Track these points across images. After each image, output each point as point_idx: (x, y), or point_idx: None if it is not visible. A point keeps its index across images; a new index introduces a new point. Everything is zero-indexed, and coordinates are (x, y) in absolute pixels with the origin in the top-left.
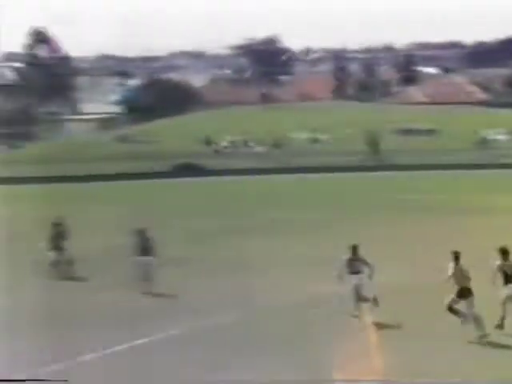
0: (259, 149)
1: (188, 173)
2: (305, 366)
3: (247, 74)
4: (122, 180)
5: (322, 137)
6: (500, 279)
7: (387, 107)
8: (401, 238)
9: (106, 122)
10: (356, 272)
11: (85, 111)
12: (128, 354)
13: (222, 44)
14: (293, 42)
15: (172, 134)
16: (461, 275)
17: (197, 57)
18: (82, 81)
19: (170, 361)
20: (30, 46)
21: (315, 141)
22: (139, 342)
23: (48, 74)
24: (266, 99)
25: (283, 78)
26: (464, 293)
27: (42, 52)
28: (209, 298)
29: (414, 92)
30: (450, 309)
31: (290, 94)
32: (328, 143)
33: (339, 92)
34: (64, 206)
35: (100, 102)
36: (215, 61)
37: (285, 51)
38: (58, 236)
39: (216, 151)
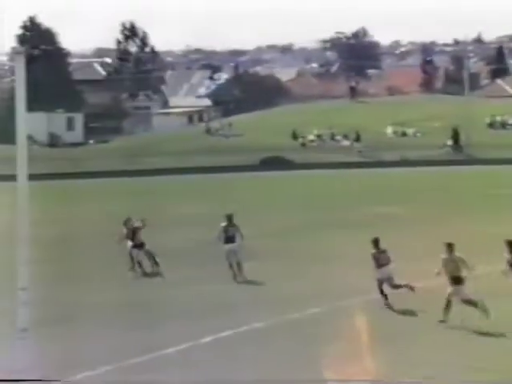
0: (346, 143)
1: (275, 166)
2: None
3: (335, 68)
4: (209, 173)
5: (410, 130)
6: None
7: (476, 100)
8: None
9: (194, 116)
10: (384, 264)
11: (173, 105)
12: (213, 346)
13: (310, 38)
14: (381, 35)
15: (259, 127)
16: (453, 265)
17: (284, 51)
18: (170, 75)
19: (250, 354)
20: (120, 41)
21: (403, 134)
22: (224, 334)
23: (137, 69)
24: (353, 93)
25: (371, 71)
26: (456, 280)
27: (132, 47)
28: (294, 292)
29: (504, 85)
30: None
31: (377, 87)
32: (416, 137)
33: (427, 85)
34: (152, 199)
35: (188, 95)
36: (302, 55)
37: (373, 45)
38: (136, 232)
39: (302, 145)
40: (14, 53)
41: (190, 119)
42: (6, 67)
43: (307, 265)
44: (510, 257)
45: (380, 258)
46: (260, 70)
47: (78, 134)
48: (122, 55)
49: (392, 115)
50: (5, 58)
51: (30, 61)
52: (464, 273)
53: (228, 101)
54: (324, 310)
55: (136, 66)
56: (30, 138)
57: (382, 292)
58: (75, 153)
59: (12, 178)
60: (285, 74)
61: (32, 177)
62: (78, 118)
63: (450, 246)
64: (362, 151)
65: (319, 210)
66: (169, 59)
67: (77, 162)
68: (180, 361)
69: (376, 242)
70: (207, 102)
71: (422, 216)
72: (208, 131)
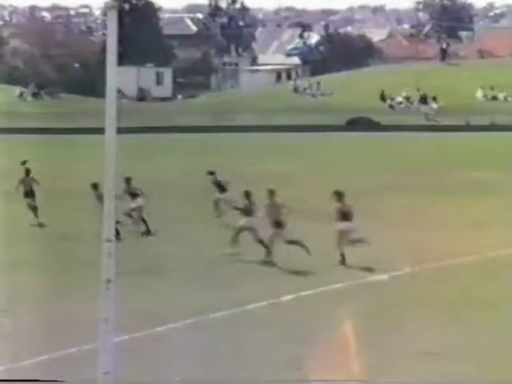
0: (434, 105)
1: (362, 127)
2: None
3: (426, 29)
4: (294, 132)
5: (501, 95)
6: (337, 218)
7: None
8: None
9: (282, 74)
10: (250, 214)
11: (262, 62)
12: (292, 304)
13: None
14: None
15: (347, 87)
16: (274, 210)
17: (376, 11)
18: (260, 32)
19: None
20: None
21: (493, 98)
22: (304, 293)
23: (228, 25)
24: (444, 55)
25: (463, 33)
26: (277, 224)
27: (223, 3)
28: (373, 255)
29: None
30: (261, 241)
31: (469, 50)
32: (506, 101)
33: None
34: (235, 156)
35: (278, 53)
36: (394, 15)
37: (466, 6)
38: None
39: (390, 106)
40: (106, 7)
41: (278, 77)
42: (99, 21)
43: (386, 228)
44: (338, 205)
45: (248, 209)
46: (351, 29)
47: (166, 88)
48: (213, 11)
49: (483, 78)
50: (97, 13)
51: (122, 15)
52: (284, 217)
53: (317, 60)
54: (396, 276)
55: (227, 22)
56: (120, 92)
57: (235, 240)
58: (163, 107)
59: (101, 131)
60: (375, 34)
61: (120, 130)
62: (167, 73)
63: (270, 192)
64: (430, 115)
65: (403, 172)
66: (259, 16)
67: (164, 116)
68: (261, 317)
69: (247, 194)
70: (296, 60)
71: (506, 181)
72: (296, 90)
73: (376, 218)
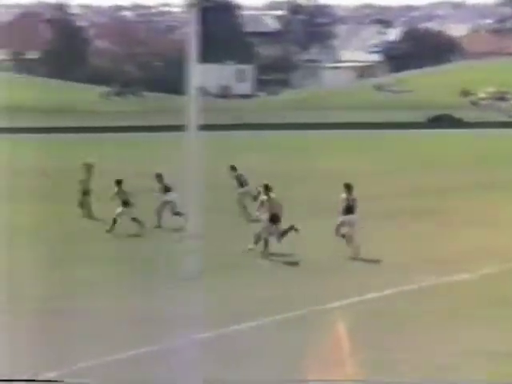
0: None
1: (443, 124)
2: None
3: (510, 24)
4: (375, 129)
5: None
6: (342, 210)
7: None
8: None
9: (364, 71)
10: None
11: (343, 59)
12: (356, 307)
13: None
14: None
15: (429, 84)
16: (272, 204)
17: (457, 6)
18: (341, 29)
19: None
20: None
21: None
22: (370, 296)
23: (308, 22)
24: None
25: None
26: (274, 218)
27: (303, 0)
28: (446, 255)
29: None
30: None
31: None
32: None
33: None
34: (316, 153)
35: (359, 50)
36: (477, 10)
37: None
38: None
39: (473, 103)
40: (188, 5)
41: (359, 74)
42: (180, 19)
43: (459, 226)
44: (346, 197)
45: (270, 206)
46: (432, 25)
47: (247, 85)
48: (294, 8)
49: None
50: (179, 10)
51: (203, 13)
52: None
53: (398, 56)
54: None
55: (307, 19)
56: (201, 89)
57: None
58: (245, 104)
59: (180, 128)
60: (457, 30)
61: (201, 127)
62: (248, 70)
63: (266, 188)
64: (504, 110)
65: (483, 170)
66: (340, 13)
67: (246, 113)
68: (342, 316)
69: (266, 188)
70: (377, 57)
71: None
72: (376, 87)
73: (460, 215)
